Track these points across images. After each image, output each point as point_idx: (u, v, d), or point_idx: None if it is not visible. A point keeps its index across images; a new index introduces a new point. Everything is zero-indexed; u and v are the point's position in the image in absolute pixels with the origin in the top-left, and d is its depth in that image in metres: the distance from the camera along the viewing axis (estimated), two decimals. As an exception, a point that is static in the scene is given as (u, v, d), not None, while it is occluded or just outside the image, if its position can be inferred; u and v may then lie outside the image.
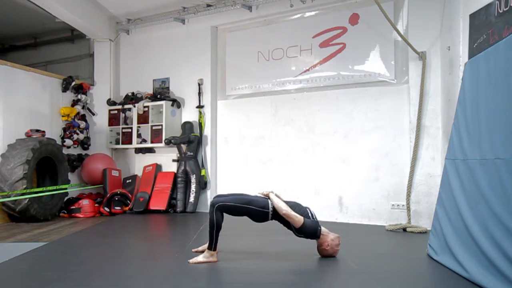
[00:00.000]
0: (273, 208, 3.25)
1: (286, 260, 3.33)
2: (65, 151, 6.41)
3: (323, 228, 3.32)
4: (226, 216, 3.25)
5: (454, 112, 3.42)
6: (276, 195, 3.36)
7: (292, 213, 3.22)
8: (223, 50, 6.62)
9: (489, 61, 2.83)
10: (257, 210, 3.24)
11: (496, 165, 2.51)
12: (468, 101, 3.12)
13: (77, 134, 6.83)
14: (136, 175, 6.88)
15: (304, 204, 3.44)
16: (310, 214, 3.33)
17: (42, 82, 6.41)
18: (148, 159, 6.96)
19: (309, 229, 3.24)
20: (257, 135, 6.23)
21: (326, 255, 3.34)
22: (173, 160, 6.71)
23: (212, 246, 3.18)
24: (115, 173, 6.73)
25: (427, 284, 2.87)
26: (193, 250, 3.55)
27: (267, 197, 3.34)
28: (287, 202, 3.33)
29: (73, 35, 8.05)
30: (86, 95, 7.06)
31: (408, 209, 4.95)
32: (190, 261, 3.17)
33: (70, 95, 6.89)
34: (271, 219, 3.31)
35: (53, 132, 6.47)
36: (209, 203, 6.32)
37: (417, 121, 4.97)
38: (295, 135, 5.92)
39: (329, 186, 5.59)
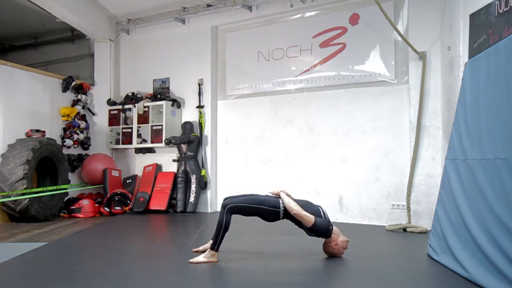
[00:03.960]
0: (284, 207, 3.24)
1: (286, 260, 3.33)
2: (65, 151, 6.41)
3: (335, 228, 3.32)
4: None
5: (454, 112, 3.43)
6: (287, 194, 3.36)
7: (303, 212, 3.21)
8: (223, 50, 6.62)
9: (489, 61, 2.83)
10: (268, 209, 3.23)
11: (496, 165, 2.51)
12: (468, 101, 3.12)
13: (77, 134, 6.83)
14: (136, 175, 6.88)
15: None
16: (322, 213, 3.31)
17: (42, 82, 6.41)
18: (148, 159, 6.96)
19: (321, 228, 3.22)
20: (257, 135, 6.23)
21: (330, 253, 3.34)
22: (173, 160, 6.71)
23: (216, 247, 3.16)
24: (115, 173, 6.73)
25: (427, 284, 2.87)
26: (193, 250, 3.55)
27: (277, 196, 3.34)
28: (298, 201, 3.32)
29: (73, 35, 8.06)
30: (86, 95, 7.07)
31: (408, 209, 4.95)
32: (191, 261, 3.16)
33: (70, 95, 6.89)
34: (282, 218, 3.30)
35: (53, 132, 6.47)
36: (209, 203, 6.44)
37: (417, 121, 4.97)
38: (295, 135, 5.92)
39: (329, 186, 5.59)
